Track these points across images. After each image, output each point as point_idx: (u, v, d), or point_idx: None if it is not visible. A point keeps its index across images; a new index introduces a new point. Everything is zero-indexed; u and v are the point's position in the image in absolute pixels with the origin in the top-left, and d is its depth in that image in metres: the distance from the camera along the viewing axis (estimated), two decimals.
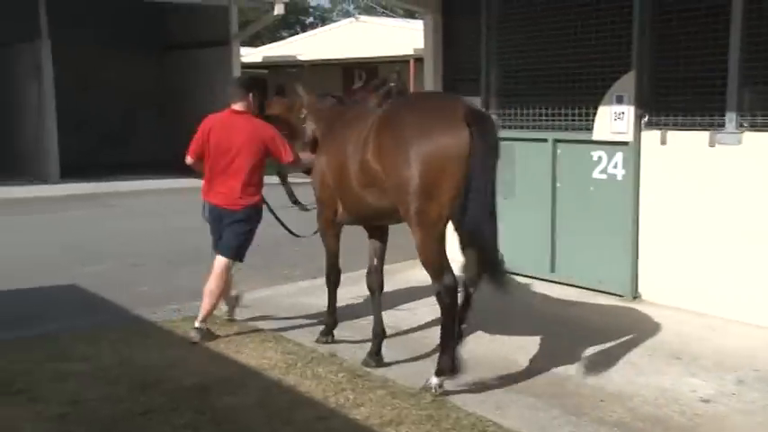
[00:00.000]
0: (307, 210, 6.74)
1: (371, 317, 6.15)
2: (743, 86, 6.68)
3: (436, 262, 5.19)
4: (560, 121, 7.99)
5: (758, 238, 6.69)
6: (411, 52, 20.62)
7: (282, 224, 7.04)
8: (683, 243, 7.24)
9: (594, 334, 6.56)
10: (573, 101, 7.80)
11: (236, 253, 6.61)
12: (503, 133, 8.47)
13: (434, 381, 5.28)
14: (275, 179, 6.93)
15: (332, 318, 6.49)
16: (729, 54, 6.69)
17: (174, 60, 24.03)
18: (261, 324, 6.95)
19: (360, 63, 25.63)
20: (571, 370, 5.77)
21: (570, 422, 4.90)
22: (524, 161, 8.40)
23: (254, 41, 32.64)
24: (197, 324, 6.48)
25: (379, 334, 6.02)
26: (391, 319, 6.58)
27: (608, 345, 6.31)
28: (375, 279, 6.16)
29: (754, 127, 6.67)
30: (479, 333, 6.60)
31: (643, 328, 6.72)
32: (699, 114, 6.95)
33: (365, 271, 6.27)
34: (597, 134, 7.66)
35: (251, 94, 6.52)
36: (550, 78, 8.02)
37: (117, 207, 15.61)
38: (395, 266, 8.28)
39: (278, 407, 5.12)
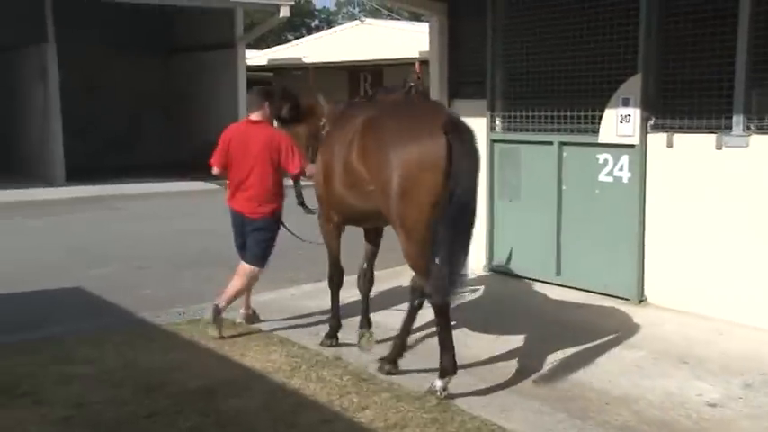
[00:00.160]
0: (312, 213, 6.76)
1: (377, 320, 6.40)
2: (750, 89, 6.65)
3: (420, 263, 5.27)
4: (566, 123, 7.97)
5: (765, 241, 6.65)
6: (416, 55, 20.56)
7: (291, 232, 7.09)
8: (689, 246, 7.21)
9: (600, 337, 6.54)
10: (579, 103, 7.77)
11: (260, 260, 6.77)
12: (509, 136, 8.55)
13: (439, 383, 5.27)
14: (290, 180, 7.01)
15: (335, 320, 6.48)
16: (736, 57, 6.66)
17: (180, 63, 24.08)
18: (265, 327, 6.94)
19: (365, 66, 25.62)
20: (577, 373, 5.75)
21: (575, 426, 4.88)
22: (530, 164, 8.38)
23: (260, 44, 32.71)
24: (217, 301, 6.71)
25: (365, 324, 6.36)
26: (395, 320, 6.55)
27: (614, 348, 6.30)
28: (362, 283, 6.41)
29: (762, 130, 6.65)
30: (484, 336, 6.59)
31: (649, 332, 6.70)
32: (705, 117, 6.92)
33: (376, 272, 6.47)
34: (603, 137, 7.63)
35: (267, 103, 6.66)
36: (556, 81, 8.00)
37: (122, 210, 15.63)
38: (397, 269, 8.26)
39: (282, 410, 5.10)
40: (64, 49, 18.51)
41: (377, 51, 23.73)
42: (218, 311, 6.67)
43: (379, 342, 6.23)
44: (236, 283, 6.77)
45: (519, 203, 8.53)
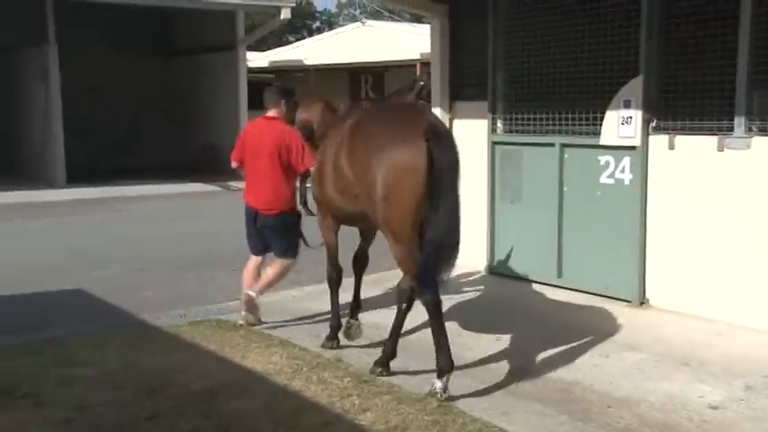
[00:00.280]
0: (313, 214, 6.80)
1: (376, 321, 6.65)
2: (752, 91, 6.64)
3: (409, 264, 5.42)
4: (567, 125, 7.96)
5: (767, 244, 6.65)
6: (418, 57, 20.59)
7: (301, 235, 7.15)
8: (690, 248, 7.21)
9: (601, 339, 6.53)
10: (580, 105, 7.77)
11: (288, 253, 6.95)
12: (510, 138, 8.55)
13: (438, 384, 5.27)
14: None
15: (336, 319, 6.49)
16: (738, 58, 6.65)
17: (181, 65, 24.09)
18: (266, 329, 6.93)
19: (366, 67, 25.63)
20: (578, 375, 5.74)
21: (577, 428, 4.87)
22: (531, 166, 8.38)
23: (261, 46, 32.75)
24: (250, 291, 6.88)
25: (354, 310, 6.66)
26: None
27: (615, 350, 6.29)
28: (356, 263, 6.75)
29: (764, 131, 6.64)
30: (485, 337, 6.59)
31: (650, 334, 6.70)
32: (707, 119, 6.91)
33: (371, 275, 6.58)
34: (604, 139, 7.63)
35: (283, 101, 6.83)
36: (558, 82, 8.00)
37: (123, 212, 15.63)
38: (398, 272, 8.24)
39: (284, 412, 5.10)
40: (65, 51, 18.53)
41: (378, 53, 23.75)
42: (251, 301, 6.82)
43: (380, 343, 6.19)
44: (269, 274, 6.95)
45: (520, 205, 8.53)
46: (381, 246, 6.19)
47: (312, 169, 6.54)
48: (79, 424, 4.95)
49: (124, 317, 7.53)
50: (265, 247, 7.07)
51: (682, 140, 7.18)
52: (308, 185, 6.96)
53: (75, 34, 19.80)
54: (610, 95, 7.50)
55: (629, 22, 7.31)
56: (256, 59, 28.11)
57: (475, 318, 7.15)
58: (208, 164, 21.99)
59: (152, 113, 24.13)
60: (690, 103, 7.00)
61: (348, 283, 6.64)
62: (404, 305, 5.78)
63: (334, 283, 6.50)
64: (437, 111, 9.35)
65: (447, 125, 9.32)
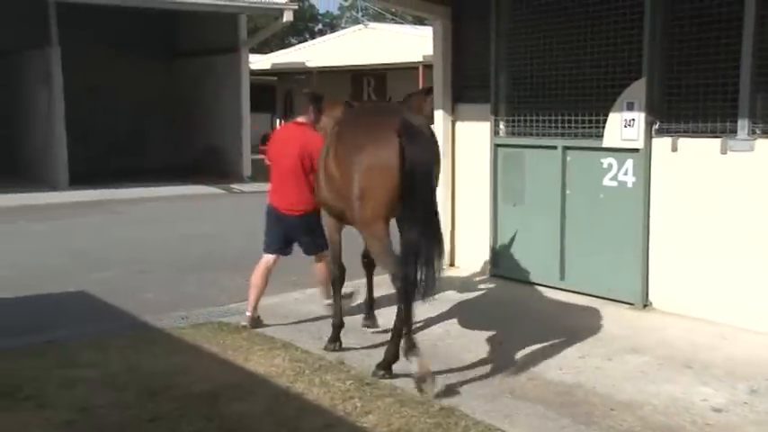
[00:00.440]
0: None
1: (378, 323, 6.88)
2: (755, 93, 6.63)
3: (381, 256, 5.70)
4: (570, 127, 7.94)
5: None
6: (420, 59, 20.63)
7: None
8: (693, 251, 7.19)
9: (604, 342, 6.53)
10: (583, 107, 7.75)
11: (322, 246, 7.00)
12: (512, 140, 8.54)
13: (413, 368, 5.48)
14: None
15: (338, 319, 6.49)
16: (741, 60, 6.64)
17: (183, 67, 24.11)
18: (269, 331, 6.93)
19: (369, 70, 25.65)
20: (581, 378, 5.73)
21: (580, 431, 4.86)
22: (534, 168, 8.37)
23: (263, 48, 32.77)
24: (326, 301, 7.14)
25: (369, 313, 6.98)
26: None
27: (618, 353, 6.27)
28: (364, 265, 6.93)
29: (767, 134, 6.63)
30: (488, 340, 6.57)
31: (653, 337, 6.68)
32: (710, 121, 6.90)
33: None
34: (607, 141, 7.62)
35: (311, 108, 6.97)
36: (560, 85, 7.98)
37: (125, 214, 15.64)
38: None
39: (286, 415, 5.09)
40: (68, 53, 18.53)
41: (380, 55, 23.78)
42: (329, 306, 6.95)
43: (383, 345, 6.17)
44: (320, 274, 7.19)
45: (523, 208, 8.52)
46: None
47: None
48: (81, 426, 4.95)
49: (126, 319, 7.52)
50: (281, 247, 7.14)
51: (685, 143, 7.17)
52: None
53: (78, 36, 19.82)
54: (613, 98, 7.49)
55: (632, 24, 7.30)
56: (259, 62, 28.16)
57: (477, 320, 7.15)
58: (210, 166, 22.03)
59: (154, 115, 24.15)
60: (693, 105, 6.98)
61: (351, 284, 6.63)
62: (403, 303, 5.74)
63: (338, 283, 6.52)
64: (439, 113, 9.36)
65: (449, 127, 9.38)
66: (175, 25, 24.01)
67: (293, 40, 46.37)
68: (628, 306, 7.54)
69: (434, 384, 5.42)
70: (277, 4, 20.79)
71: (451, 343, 6.57)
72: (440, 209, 9.20)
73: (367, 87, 26.48)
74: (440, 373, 5.78)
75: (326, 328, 6.62)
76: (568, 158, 8.04)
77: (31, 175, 19.99)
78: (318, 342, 6.53)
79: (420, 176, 5.37)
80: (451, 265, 9.51)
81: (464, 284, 8.53)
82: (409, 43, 22.94)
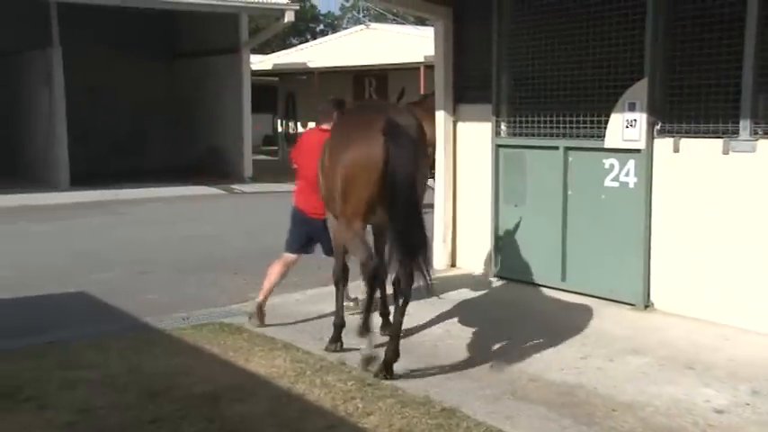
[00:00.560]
0: None
1: (379, 323, 6.74)
2: (757, 93, 6.61)
3: (351, 244, 5.94)
4: (572, 128, 7.92)
5: None
6: (422, 60, 20.59)
7: None
8: (695, 252, 7.18)
9: (606, 343, 6.51)
10: (584, 108, 7.73)
11: None
12: (514, 141, 8.53)
13: (363, 346, 5.84)
14: None
15: (339, 318, 6.50)
16: (744, 61, 6.62)
17: (184, 68, 24.12)
18: (270, 332, 6.91)
19: (370, 70, 25.63)
20: (582, 379, 5.71)
21: None
22: (535, 169, 8.35)
23: (264, 49, 32.75)
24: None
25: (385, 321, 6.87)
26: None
27: (619, 354, 6.26)
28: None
29: None
30: (489, 341, 6.56)
31: (655, 338, 6.67)
32: (712, 122, 6.87)
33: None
34: (609, 142, 7.61)
35: (335, 113, 7.05)
36: (562, 85, 7.96)
37: (126, 215, 15.64)
38: None
39: (288, 416, 5.08)
40: (69, 54, 18.54)
41: (381, 56, 23.75)
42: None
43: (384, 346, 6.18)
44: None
45: (524, 208, 8.50)
46: None
47: None
48: (82, 427, 4.94)
49: (127, 320, 7.52)
50: (302, 246, 7.27)
51: (687, 143, 7.15)
52: None
53: (79, 37, 19.82)
54: (614, 98, 7.47)
55: (634, 24, 7.29)
56: (260, 62, 28.15)
57: (478, 321, 7.13)
58: (211, 166, 22.04)
59: (155, 116, 24.16)
60: (695, 105, 6.97)
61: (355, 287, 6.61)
62: (401, 300, 5.82)
63: (341, 282, 6.54)
64: (440, 113, 9.35)
65: (451, 128, 9.37)
66: (176, 26, 24.01)
67: (294, 41, 46.39)
68: (629, 307, 7.53)
69: (380, 368, 5.70)
70: (278, 4, 20.79)
71: (452, 343, 6.56)
72: (440, 209, 9.41)
73: (368, 88, 26.45)
74: (440, 373, 5.81)
75: (327, 329, 6.60)
76: (570, 159, 8.03)
77: (31, 176, 19.99)
78: (319, 343, 6.52)
79: (401, 176, 5.50)
80: (453, 265, 9.50)
81: (465, 285, 8.51)
82: (411, 44, 22.91)
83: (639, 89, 7.29)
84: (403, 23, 34.40)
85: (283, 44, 42.65)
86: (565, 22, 7.96)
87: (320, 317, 7.26)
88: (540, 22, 8.18)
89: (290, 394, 5.45)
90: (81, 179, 18.53)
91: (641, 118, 7.31)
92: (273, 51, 33.44)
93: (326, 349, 6.36)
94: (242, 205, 17.48)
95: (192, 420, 5.00)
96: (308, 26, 57.38)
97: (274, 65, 28.84)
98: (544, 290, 8.21)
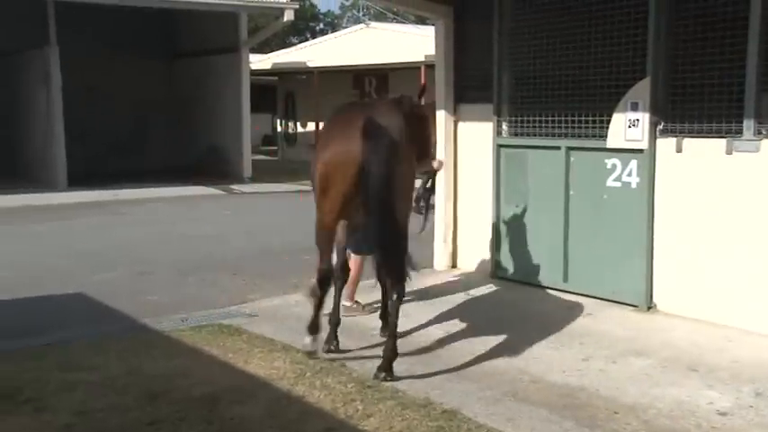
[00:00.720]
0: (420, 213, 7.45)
1: (377, 325, 6.84)
2: (761, 93, 6.58)
3: (317, 244, 6.10)
4: (574, 128, 7.89)
5: None
6: (422, 59, 20.56)
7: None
8: (698, 252, 7.14)
9: (608, 344, 6.48)
10: (586, 108, 7.70)
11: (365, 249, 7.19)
12: (515, 140, 8.50)
13: (307, 339, 6.13)
14: None
15: (335, 317, 6.48)
16: (747, 60, 6.59)
17: (184, 67, 24.10)
18: (269, 333, 6.88)
19: (370, 70, 25.63)
20: (584, 381, 5.68)
21: None
22: (537, 169, 8.32)
23: (264, 48, 32.75)
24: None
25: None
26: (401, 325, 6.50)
27: (622, 355, 6.22)
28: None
29: None
30: (490, 342, 6.53)
31: (658, 339, 6.63)
32: (715, 121, 6.83)
33: (372, 281, 6.85)
34: (611, 142, 7.57)
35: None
36: (564, 85, 7.93)
37: (125, 215, 15.61)
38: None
39: (287, 418, 5.05)
40: (66, 53, 18.49)
41: (382, 55, 23.75)
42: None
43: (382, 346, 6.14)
44: (353, 275, 7.24)
45: (526, 209, 8.47)
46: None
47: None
48: (80, 429, 4.91)
49: (126, 321, 7.48)
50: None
51: (689, 143, 7.12)
52: None
53: (77, 36, 19.80)
54: (617, 98, 7.44)
55: (636, 23, 7.25)
56: (259, 62, 28.13)
57: (479, 322, 7.10)
58: (211, 166, 22.02)
59: (155, 116, 24.14)
60: (698, 105, 6.93)
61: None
62: (394, 296, 5.82)
63: (338, 282, 6.53)
64: (441, 113, 9.30)
65: (451, 128, 9.32)
66: (175, 25, 23.99)
67: (294, 40, 46.36)
68: (632, 308, 7.50)
69: (380, 367, 5.72)
70: (278, 3, 20.76)
71: (453, 344, 6.53)
72: (441, 209, 9.36)
73: (369, 87, 26.44)
74: (441, 375, 5.78)
75: (327, 330, 6.57)
76: (572, 159, 7.99)
77: (30, 176, 19.97)
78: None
79: (375, 175, 5.57)
80: (453, 266, 9.47)
81: (466, 286, 8.49)
82: (411, 43, 22.90)
83: (642, 89, 7.26)
84: (403, 22, 34.38)
85: (283, 43, 42.64)
86: (566, 20, 7.93)
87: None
88: (542, 21, 8.14)
89: (290, 396, 5.41)
90: (79, 179, 18.49)
91: (644, 118, 7.27)
92: (273, 50, 33.43)
93: (323, 349, 6.29)
94: (241, 205, 17.44)
95: (191, 422, 4.96)
96: (308, 25, 57.38)
97: (274, 64, 28.83)
98: (546, 291, 8.19)
